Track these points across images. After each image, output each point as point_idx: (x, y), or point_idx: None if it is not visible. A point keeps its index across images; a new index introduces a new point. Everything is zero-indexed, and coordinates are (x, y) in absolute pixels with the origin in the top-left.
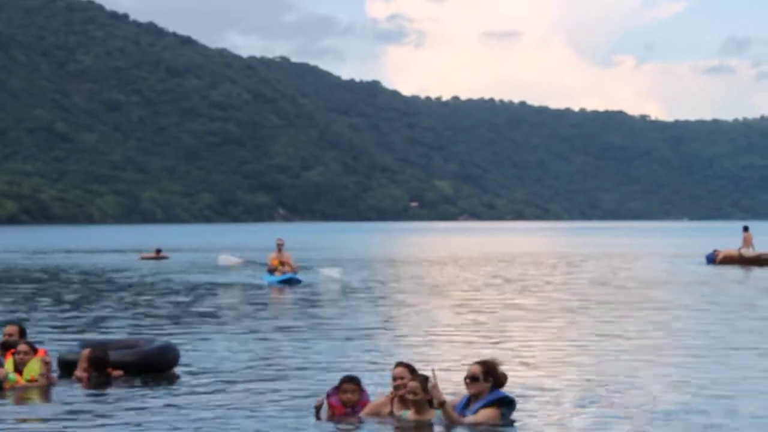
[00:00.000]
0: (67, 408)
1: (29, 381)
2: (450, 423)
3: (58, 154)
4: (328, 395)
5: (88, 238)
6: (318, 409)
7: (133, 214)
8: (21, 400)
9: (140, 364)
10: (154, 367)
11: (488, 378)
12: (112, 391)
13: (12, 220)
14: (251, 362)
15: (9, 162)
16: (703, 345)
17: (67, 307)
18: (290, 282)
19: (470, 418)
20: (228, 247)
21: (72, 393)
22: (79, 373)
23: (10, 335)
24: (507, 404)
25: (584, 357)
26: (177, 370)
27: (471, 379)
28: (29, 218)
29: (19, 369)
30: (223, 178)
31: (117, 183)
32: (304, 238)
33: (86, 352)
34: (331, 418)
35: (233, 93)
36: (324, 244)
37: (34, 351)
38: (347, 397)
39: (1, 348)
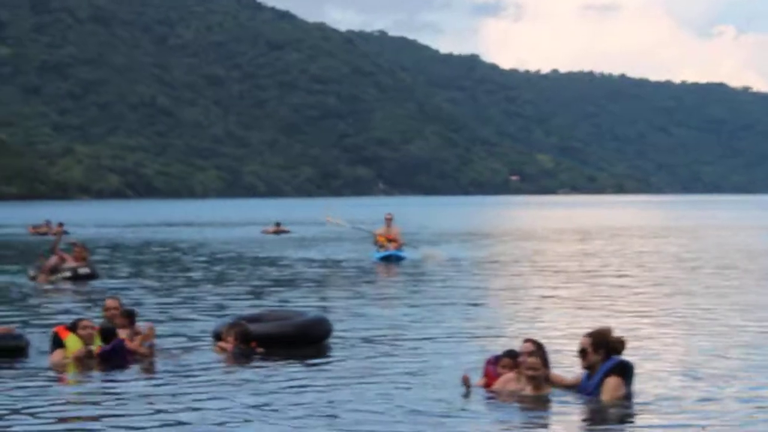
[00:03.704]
0: (209, 376)
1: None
2: (566, 388)
3: (160, 128)
4: (488, 362)
5: (202, 212)
6: (466, 385)
7: (234, 188)
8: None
9: (296, 335)
10: (309, 339)
11: (598, 350)
12: (264, 364)
13: (116, 194)
14: (399, 336)
15: (112, 137)
16: None
17: (209, 280)
18: (392, 259)
19: (597, 400)
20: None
21: (211, 363)
22: (223, 344)
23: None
24: (623, 369)
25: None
26: (328, 342)
27: (581, 352)
28: (133, 192)
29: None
30: (323, 151)
31: (218, 157)
32: (405, 212)
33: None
34: (484, 386)
35: (332, 67)
36: (426, 219)
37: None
38: (504, 372)
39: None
